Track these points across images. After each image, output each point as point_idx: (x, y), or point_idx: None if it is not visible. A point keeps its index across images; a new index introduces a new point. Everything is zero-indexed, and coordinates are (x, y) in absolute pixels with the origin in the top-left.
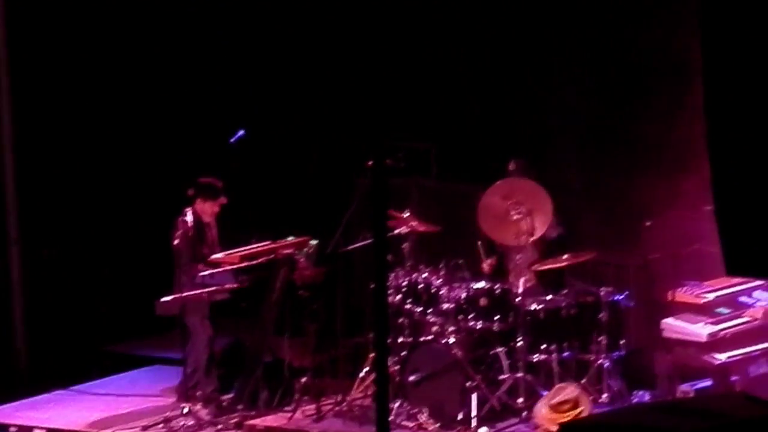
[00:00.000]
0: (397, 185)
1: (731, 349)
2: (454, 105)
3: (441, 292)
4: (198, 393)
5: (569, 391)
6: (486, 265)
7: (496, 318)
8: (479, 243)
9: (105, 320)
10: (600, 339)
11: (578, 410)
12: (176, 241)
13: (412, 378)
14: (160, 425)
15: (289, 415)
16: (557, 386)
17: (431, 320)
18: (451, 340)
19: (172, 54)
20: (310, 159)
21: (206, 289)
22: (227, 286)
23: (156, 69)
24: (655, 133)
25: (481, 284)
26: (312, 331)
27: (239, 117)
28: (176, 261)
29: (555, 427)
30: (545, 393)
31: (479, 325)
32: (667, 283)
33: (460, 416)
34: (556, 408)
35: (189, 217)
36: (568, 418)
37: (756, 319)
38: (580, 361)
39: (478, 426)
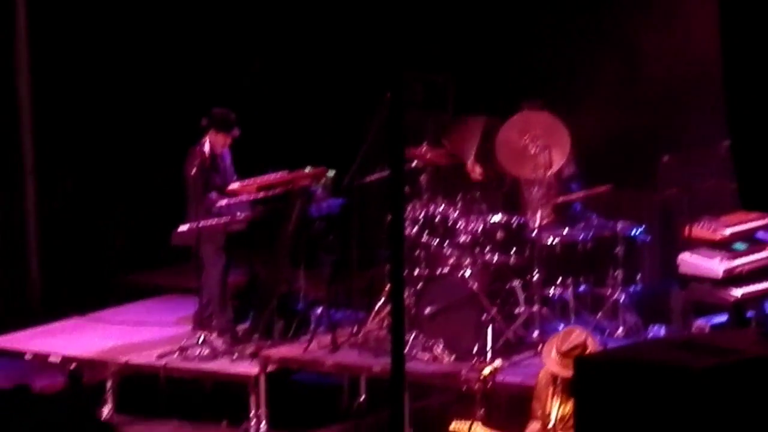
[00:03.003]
0: (414, 118)
1: (747, 285)
2: (472, 38)
3: (457, 225)
4: (213, 323)
5: (576, 335)
6: (474, 172)
7: (512, 251)
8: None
9: (120, 250)
10: (616, 273)
11: (587, 353)
12: (192, 171)
13: (427, 310)
14: (176, 354)
15: (304, 346)
16: (564, 331)
17: (447, 253)
18: (467, 273)
19: None
20: (326, 90)
21: (222, 220)
22: (243, 216)
23: None
24: (670, 69)
25: (498, 217)
26: (327, 263)
27: (256, 47)
28: (190, 191)
29: (565, 372)
30: (554, 334)
31: (495, 258)
32: (684, 219)
33: (475, 349)
34: (566, 354)
35: (206, 147)
36: None
37: None
38: (595, 296)
39: (493, 359)
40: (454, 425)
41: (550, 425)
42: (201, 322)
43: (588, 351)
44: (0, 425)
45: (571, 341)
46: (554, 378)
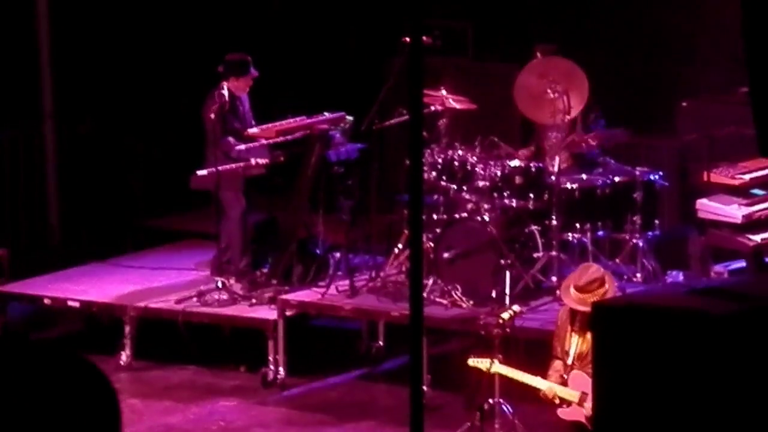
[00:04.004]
0: (433, 63)
1: (766, 231)
2: None
3: (476, 170)
4: (232, 268)
5: (594, 270)
6: (521, 154)
7: (531, 196)
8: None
9: (139, 195)
10: (634, 219)
11: (605, 288)
12: (211, 115)
13: (446, 255)
14: (194, 299)
15: (322, 290)
16: (581, 266)
17: (466, 198)
18: (486, 217)
19: None
20: (346, 34)
21: (241, 164)
22: (262, 161)
23: None
24: (689, 14)
25: (517, 162)
26: (346, 208)
27: None
28: (209, 135)
29: (583, 307)
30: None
31: (514, 203)
32: (702, 165)
33: (493, 294)
34: (583, 288)
35: (225, 91)
36: (596, 297)
37: None
38: (614, 241)
39: (512, 304)
40: (472, 361)
41: (569, 362)
42: (219, 267)
43: (606, 286)
44: None
45: (589, 276)
46: (573, 315)
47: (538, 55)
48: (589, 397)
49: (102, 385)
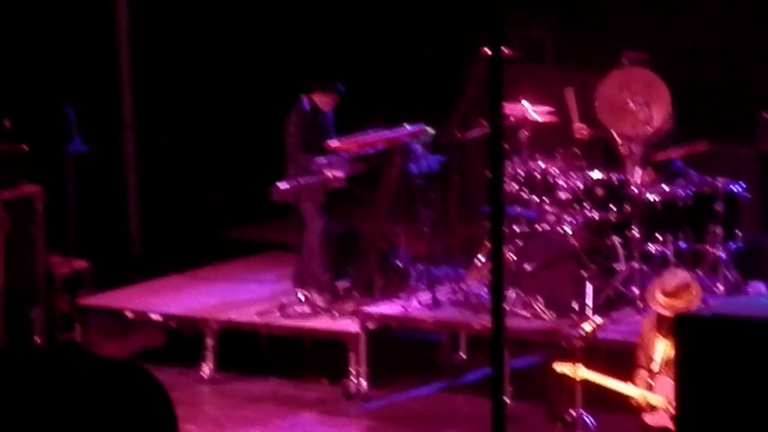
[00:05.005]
0: (513, 73)
1: None
2: None
3: (558, 182)
4: (313, 280)
5: (681, 275)
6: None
7: (612, 208)
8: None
9: (220, 206)
10: (716, 230)
11: (692, 294)
12: (291, 128)
13: (527, 267)
14: (276, 311)
15: (404, 303)
16: (667, 272)
17: (547, 209)
18: (568, 229)
19: None
20: (424, 45)
21: (322, 176)
22: (342, 173)
23: None
24: None
25: (598, 174)
26: (427, 219)
27: (353, 4)
28: (289, 148)
29: (671, 312)
30: (657, 278)
31: (596, 214)
32: None
33: (575, 305)
34: (672, 293)
35: (307, 105)
36: (684, 302)
37: None
38: (695, 252)
39: (593, 315)
40: (557, 366)
41: (655, 369)
42: (301, 280)
43: (692, 291)
44: (45, 383)
45: (677, 280)
46: (658, 322)
47: (624, 62)
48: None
49: (159, 397)
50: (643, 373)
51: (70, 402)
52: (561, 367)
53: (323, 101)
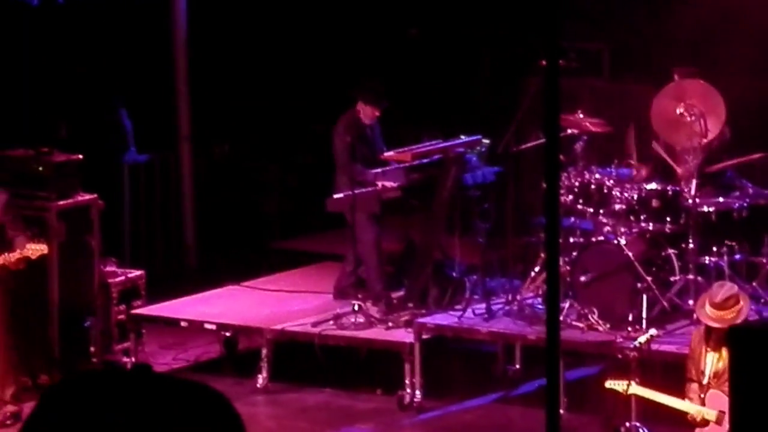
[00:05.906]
0: (569, 86)
1: None
2: (624, 6)
3: (613, 193)
4: (368, 291)
5: (728, 287)
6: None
7: (667, 219)
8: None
9: (274, 217)
10: None
11: (740, 305)
12: (339, 140)
13: (582, 278)
14: (330, 322)
15: (458, 313)
16: (716, 284)
17: (603, 221)
18: (623, 241)
19: None
20: (481, 57)
21: (377, 187)
22: (391, 184)
23: None
24: None
25: (653, 185)
26: (482, 230)
27: (411, 16)
28: (338, 159)
29: (719, 324)
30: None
31: (651, 226)
32: None
33: (630, 317)
34: (720, 305)
35: (355, 116)
36: (733, 314)
37: None
38: (751, 264)
39: (648, 327)
40: (609, 383)
41: (705, 381)
42: (356, 291)
43: (741, 303)
44: (117, 407)
45: (725, 293)
46: (707, 334)
47: (676, 77)
48: (727, 417)
49: (229, 416)
50: (694, 387)
51: (145, 425)
52: (613, 384)
53: (365, 113)
